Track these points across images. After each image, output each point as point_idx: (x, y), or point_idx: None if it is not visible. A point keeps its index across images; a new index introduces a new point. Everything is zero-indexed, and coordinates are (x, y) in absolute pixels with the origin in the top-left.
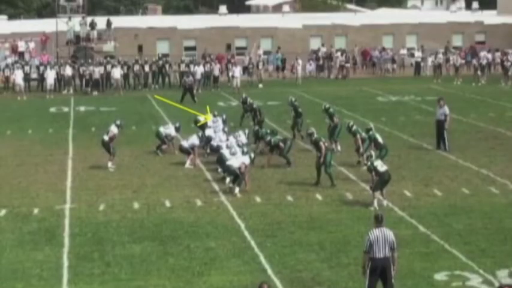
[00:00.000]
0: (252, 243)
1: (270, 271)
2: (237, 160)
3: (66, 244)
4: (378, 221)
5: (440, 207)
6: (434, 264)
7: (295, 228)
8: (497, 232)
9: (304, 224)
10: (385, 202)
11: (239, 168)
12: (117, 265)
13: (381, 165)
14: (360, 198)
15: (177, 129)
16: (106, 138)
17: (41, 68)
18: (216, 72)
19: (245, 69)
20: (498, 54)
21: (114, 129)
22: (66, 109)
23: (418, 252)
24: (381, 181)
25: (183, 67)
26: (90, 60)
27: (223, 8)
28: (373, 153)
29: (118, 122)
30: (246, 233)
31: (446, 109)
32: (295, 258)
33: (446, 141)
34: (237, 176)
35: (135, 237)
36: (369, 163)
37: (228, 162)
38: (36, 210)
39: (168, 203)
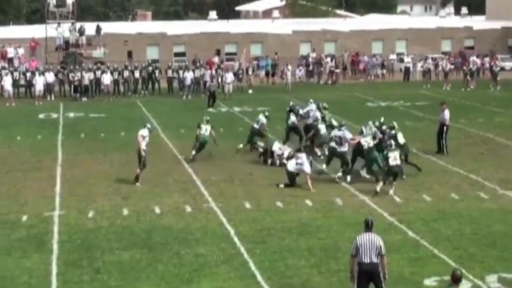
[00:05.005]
0: (242, 249)
1: (259, 277)
2: (296, 166)
3: (55, 251)
4: (367, 227)
5: (430, 212)
6: (423, 270)
7: (284, 234)
8: (486, 237)
9: (293, 230)
10: (391, 191)
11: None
12: (106, 272)
13: (393, 159)
14: (350, 204)
15: (267, 117)
16: (143, 146)
17: (28, 75)
18: (207, 78)
19: (235, 75)
20: (487, 59)
21: (143, 132)
22: (55, 115)
23: (408, 258)
24: (388, 172)
25: (170, 73)
26: (77, 67)
27: (213, 14)
28: (393, 142)
29: (148, 125)
30: (236, 239)
31: (445, 113)
32: (285, 264)
33: (445, 144)
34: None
35: (124, 244)
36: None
37: (287, 166)
38: (24, 217)
39: (157, 210)
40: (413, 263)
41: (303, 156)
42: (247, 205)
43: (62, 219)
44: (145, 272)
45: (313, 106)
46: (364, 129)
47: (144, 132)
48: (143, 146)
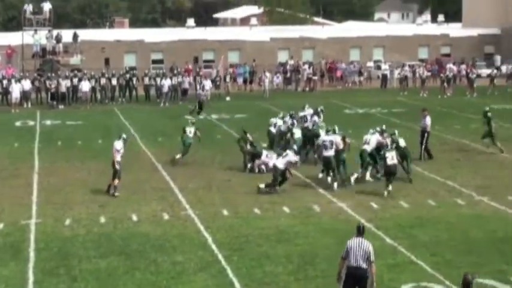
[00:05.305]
0: (219, 256)
1: (237, 284)
2: (283, 160)
3: (32, 259)
4: (358, 232)
5: (407, 218)
6: (401, 276)
7: (262, 241)
8: (463, 243)
9: (271, 237)
10: (385, 193)
11: (285, 169)
12: (83, 280)
13: (391, 158)
14: (327, 211)
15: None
16: (117, 158)
17: (4, 82)
18: (186, 85)
19: (213, 82)
20: (463, 66)
21: (117, 145)
22: (32, 123)
23: (385, 264)
24: (386, 171)
25: (147, 80)
26: (54, 74)
27: (190, 21)
28: (389, 143)
29: (124, 136)
30: (213, 247)
31: (427, 120)
32: (263, 271)
33: (423, 151)
34: (281, 179)
35: (101, 252)
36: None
37: (275, 163)
38: (1, 225)
39: (134, 217)
40: (391, 269)
41: (287, 151)
42: (225, 212)
43: (38, 227)
44: (123, 280)
45: (310, 111)
46: (336, 130)
47: (118, 145)
48: (118, 158)
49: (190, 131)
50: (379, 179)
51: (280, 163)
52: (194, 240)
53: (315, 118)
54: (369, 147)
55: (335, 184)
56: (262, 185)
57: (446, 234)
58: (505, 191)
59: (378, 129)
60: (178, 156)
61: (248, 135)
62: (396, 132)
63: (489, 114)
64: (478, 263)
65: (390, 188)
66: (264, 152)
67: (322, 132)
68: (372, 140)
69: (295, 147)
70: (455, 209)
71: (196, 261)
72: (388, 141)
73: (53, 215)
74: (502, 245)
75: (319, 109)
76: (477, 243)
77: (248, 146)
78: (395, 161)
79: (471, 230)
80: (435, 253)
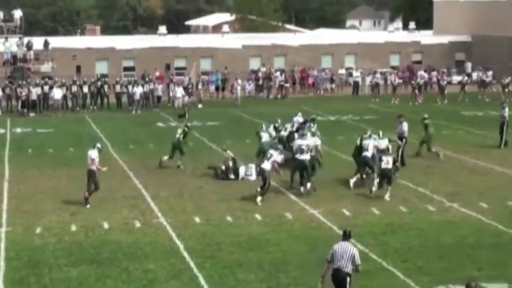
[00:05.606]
0: (191, 264)
1: None
2: (269, 162)
3: (2, 268)
4: (344, 236)
5: (378, 225)
6: (372, 283)
7: (234, 248)
8: (434, 249)
9: (243, 244)
10: (386, 196)
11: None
12: None
13: (386, 162)
14: (299, 218)
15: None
16: (92, 167)
17: None
18: (160, 93)
19: (185, 89)
20: (434, 73)
21: (92, 154)
22: (2, 131)
23: None
24: (380, 174)
25: (118, 88)
26: (25, 82)
27: (162, 29)
28: (390, 147)
29: (98, 145)
30: (185, 254)
31: (404, 126)
32: (235, 279)
33: (399, 157)
34: (264, 183)
35: (72, 260)
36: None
37: (262, 166)
38: None
39: (106, 225)
40: (363, 276)
41: (270, 151)
42: (197, 220)
43: (8, 235)
44: None
45: (300, 118)
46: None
47: (93, 154)
48: (96, 167)
49: (179, 132)
50: (357, 182)
51: (267, 165)
52: (166, 248)
53: (310, 124)
54: (369, 153)
55: (308, 185)
56: (259, 193)
57: (417, 240)
58: (475, 197)
59: (375, 135)
60: (179, 162)
61: (228, 151)
62: (381, 133)
63: (426, 121)
64: (449, 269)
65: (374, 188)
66: (242, 169)
67: (264, 134)
68: (369, 145)
69: (280, 147)
70: (426, 216)
71: (168, 269)
72: (389, 145)
73: (23, 224)
74: (473, 251)
75: (315, 118)
76: (448, 249)
77: (230, 163)
78: (389, 166)
79: (442, 236)
80: (406, 259)
